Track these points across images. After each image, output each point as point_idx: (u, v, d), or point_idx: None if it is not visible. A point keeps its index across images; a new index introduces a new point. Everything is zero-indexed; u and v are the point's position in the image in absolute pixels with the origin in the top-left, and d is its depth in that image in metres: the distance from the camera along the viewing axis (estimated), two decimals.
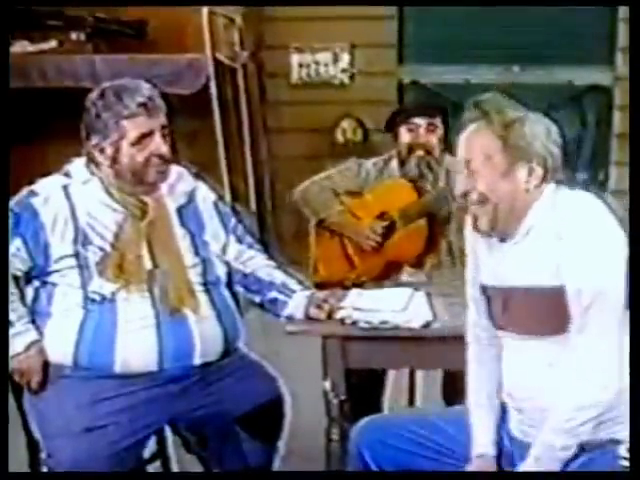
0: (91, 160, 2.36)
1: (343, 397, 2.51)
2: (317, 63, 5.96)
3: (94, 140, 2.31)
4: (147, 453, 2.63)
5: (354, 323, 2.48)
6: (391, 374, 3.33)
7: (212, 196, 2.56)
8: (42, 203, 2.32)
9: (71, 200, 2.33)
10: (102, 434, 2.28)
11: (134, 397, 2.33)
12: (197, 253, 2.42)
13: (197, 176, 2.56)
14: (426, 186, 3.16)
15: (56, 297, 2.34)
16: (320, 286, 3.11)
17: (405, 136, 3.16)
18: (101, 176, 2.35)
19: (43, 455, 2.41)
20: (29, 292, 2.39)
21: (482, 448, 2.12)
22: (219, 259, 2.49)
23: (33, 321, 2.36)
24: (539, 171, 1.96)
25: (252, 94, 5.75)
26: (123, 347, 2.30)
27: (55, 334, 2.34)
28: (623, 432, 1.91)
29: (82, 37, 5.09)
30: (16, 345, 2.31)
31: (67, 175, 2.38)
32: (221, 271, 2.49)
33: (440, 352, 2.51)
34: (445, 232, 3.15)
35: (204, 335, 2.37)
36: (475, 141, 1.99)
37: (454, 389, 3.12)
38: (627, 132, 5.07)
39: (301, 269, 3.28)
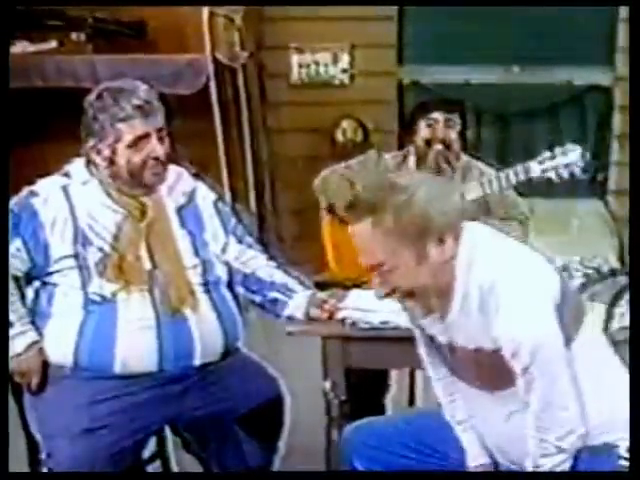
0: (90, 162, 2.36)
1: (343, 397, 2.51)
2: (317, 63, 5.95)
3: (91, 142, 2.32)
4: (147, 453, 2.63)
5: (354, 323, 2.49)
6: (391, 374, 3.33)
7: (212, 196, 2.56)
8: (42, 203, 2.32)
9: (71, 200, 2.33)
10: (102, 434, 2.28)
11: (134, 398, 2.33)
12: (197, 254, 2.42)
13: (196, 176, 2.56)
14: None
15: (56, 297, 2.34)
16: (321, 286, 3.11)
17: (424, 131, 3.17)
18: (100, 177, 2.35)
19: (43, 455, 2.41)
20: (29, 293, 2.39)
21: (475, 461, 2.13)
22: (219, 259, 2.49)
23: (33, 322, 2.36)
24: (450, 240, 1.87)
25: (252, 94, 5.74)
26: (123, 348, 2.29)
27: (55, 334, 2.34)
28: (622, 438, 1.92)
29: (82, 37, 5.08)
30: (16, 346, 2.31)
31: (67, 175, 2.38)
32: (221, 271, 2.49)
33: None
34: None
35: (204, 336, 2.37)
36: (372, 245, 1.87)
37: None
38: (627, 132, 5.08)
39: (301, 269, 3.28)
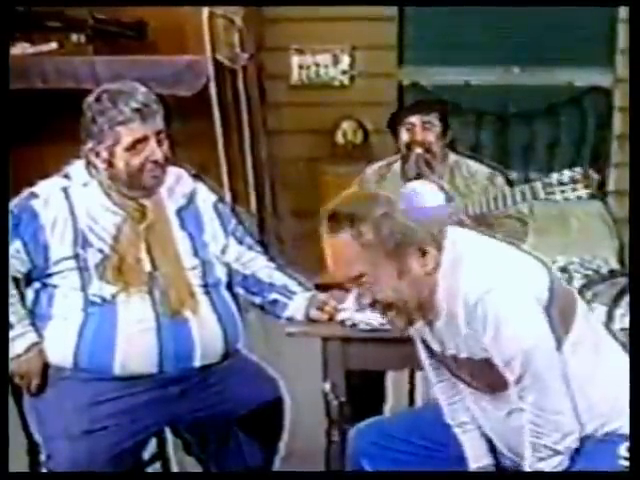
0: (90, 164, 2.36)
1: (343, 398, 2.51)
2: (317, 65, 5.95)
3: (90, 144, 2.32)
4: (147, 455, 2.63)
5: (354, 325, 2.48)
6: (391, 375, 3.33)
7: (212, 197, 2.56)
8: (42, 205, 2.32)
9: (71, 202, 2.33)
10: (102, 436, 2.28)
11: (134, 399, 2.33)
12: (197, 255, 2.42)
13: (196, 177, 2.56)
14: (450, 194, 3.15)
15: (56, 299, 2.34)
16: (321, 287, 3.11)
17: (404, 136, 3.18)
18: (100, 179, 2.35)
19: (43, 457, 2.41)
20: (29, 294, 2.39)
21: (477, 463, 2.13)
22: (219, 261, 2.49)
23: (33, 323, 2.36)
24: (432, 251, 1.86)
25: (252, 95, 5.74)
26: (123, 349, 2.29)
27: (55, 336, 2.34)
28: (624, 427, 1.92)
29: (82, 39, 5.07)
30: (16, 347, 2.31)
31: (67, 177, 2.38)
32: (221, 273, 2.49)
33: None
34: None
35: (204, 337, 2.37)
36: (352, 257, 1.85)
37: None
38: (627, 133, 5.08)
39: (301, 270, 3.28)
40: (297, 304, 2.53)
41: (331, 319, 2.51)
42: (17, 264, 2.32)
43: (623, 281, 2.60)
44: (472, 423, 2.14)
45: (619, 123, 5.90)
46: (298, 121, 5.91)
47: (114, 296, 2.30)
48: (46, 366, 2.35)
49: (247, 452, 2.54)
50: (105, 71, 4.71)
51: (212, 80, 4.98)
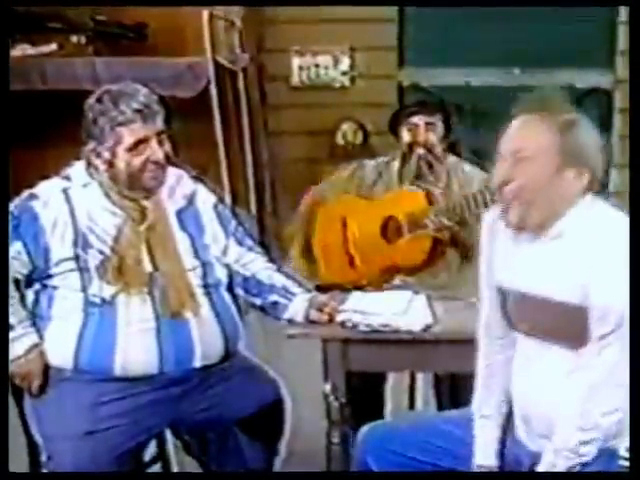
0: (90, 165, 2.36)
1: (343, 400, 2.51)
2: (317, 66, 5.96)
3: (91, 145, 2.32)
4: (147, 456, 2.63)
5: (354, 326, 2.48)
6: (391, 377, 3.33)
7: (212, 198, 2.56)
8: (42, 206, 2.32)
9: (71, 203, 2.33)
10: (102, 437, 2.28)
11: (135, 400, 2.33)
12: (197, 256, 2.42)
13: (196, 179, 2.56)
14: (436, 194, 3.15)
15: (56, 300, 2.34)
16: (321, 289, 3.11)
17: (405, 136, 3.16)
18: (100, 180, 2.35)
19: (43, 458, 2.41)
20: (30, 295, 2.39)
21: (483, 459, 2.11)
22: (219, 262, 2.49)
23: (34, 324, 2.36)
24: (586, 179, 1.91)
25: (252, 97, 5.75)
26: (123, 350, 2.29)
27: (56, 337, 2.34)
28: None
29: (82, 40, 5.08)
30: (16, 348, 2.31)
31: (67, 178, 2.39)
32: (221, 274, 2.49)
33: (440, 355, 2.51)
34: (449, 245, 3.13)
35: (204, 338, 2.37)
36: (531, 133, 1.92)
37: (448, 392, 3.14)
38: (627, 134, 5.07)
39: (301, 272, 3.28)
40: (297, 305, 2.53)
41: (331, 320, 2.50)
42: (18, 265, 2.32)
43: None
44: (497, 417, 2.11)
45: (619, 124, 5.90)
46: (298, 122, 5.91)
47: (114, 297, 2.30)
48: (47, 367, 2.35)
49: (247, 453, 2.54)
50: (105, 72, 4.72)
51: (212, 82, 4.99)
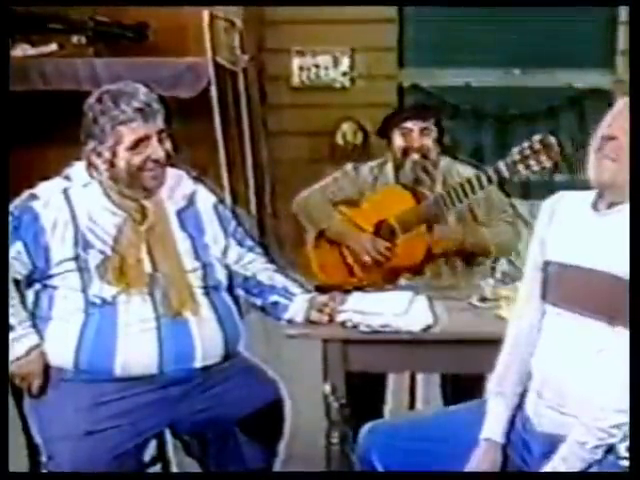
0: (91, 165, 2.36)
1: (343, 400, 2.51)
2: (318, 66, 5.96)
3: (91, 144, 2.32)
4: (147, 456, 2.63)
5: (355, 326, 2.48)
6: (392, 377, 3.33)
7: (212, 199, 2.56)
8: (42, 206, 2.32)
9: (71, 203, 2.33)
10: (102, 438, 2.28)
11: (135, 400, 2.33)
12: (197, 257, 2.42)
13: (196, 179, 2.56)
14: (424, 192, 3.14)
15: (57, 301, 2.34)
16: (321, 289, 3.11)
17: (399, 140, 3.14)
18: (101, 180, 2.35)
19: (44, 458, 2.41)
20: (30, 296, 2.39)
21: (491, 433, 2.12)
22: (219, 262, 2.49)
23: (34, 325, 2.36)
24: None
25: (253, 97, 5.75)
26: (123, 350, 2.29)
27: (56, 338, 2.34)
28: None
29: (83, 40, 5.08)
30: (17, 349, 2.31)
31: (67, 178, 2.39)
32: (221, 275, 2.49)
33: (441, 355, 2.51)
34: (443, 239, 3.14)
35: (204, 338, 2.37)
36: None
37: (454, 391, 3.13)
38: None
39: (301, 273, 3.28)
40: (297, 306, 2.53)
41: (331, 321, 2.51)
42: (18, 266, 2.32)
43: None
44: (511, 396, 2.12)
45: None
46: (298, 122, 5.91)
47: (115, 297, 2.30)
48: (47, 368, 2.35)
49: (247, 454, 2.54)
50: (106, 73, 4.72)
51: (213, 82, 4.99)
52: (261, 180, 5.96)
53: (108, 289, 2.30)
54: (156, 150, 2.31)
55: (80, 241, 2.31)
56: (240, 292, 2.56)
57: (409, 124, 3.11)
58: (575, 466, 1.91)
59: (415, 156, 3.10)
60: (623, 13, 5.60)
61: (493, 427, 2.12)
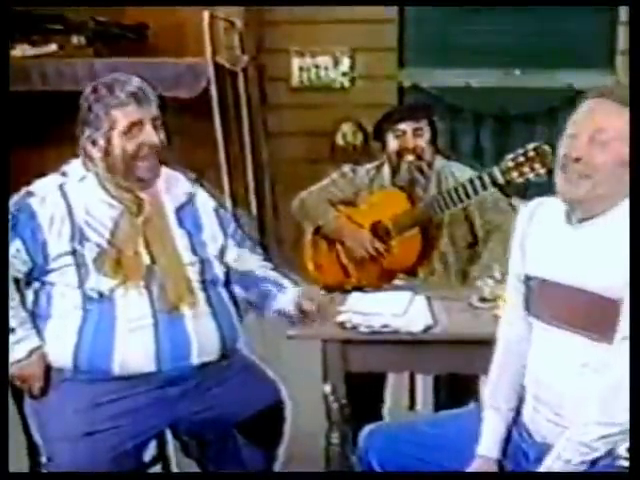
0: (86, 156, 2.36)
1: (343, 401, 2.51)
2: (317, 67, 5.96)
3: (87, 132, 2.32)
4: (147, 457, 2.63)
5: (354, 327, 2.48)
6: (391, 378, 3.33)
7: (212, 203, 2.56)
8: (39, 203, 2.32)
9: (68, 198, 2.33)
10: (102, 438, 2.28)
11: (134, 400, 2.33)
12: (195, 252, 2.42)
13: (196, 182, 2.56)
14: (419, 194, 3.15)
15: (55, 298, 2.33)
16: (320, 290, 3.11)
17: (393, 143, 3.14)
18: (96, 171, 2.35)
19: (44, 459, 2.41)
20: (29, 295, 2.38)
21: (486, 451, 2.11)
22: (217, 260, 2.49)
23: (35, 326, 2.35)
24: None
25: (253, 98, 5.75)
26: (121, 348, 2.29)
27: (55, 337, 2.33)
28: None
29: (83, 41, 5.08)
30: (18, 351, 2.30)
31: (64, 174, 2.39)
32: (219, 270, 2.49)
33: (440, 356, 2.51)
34: (438, 241, 3.14)
35: (200, 333, 2.36)
36: (612, 117, 1.91)
37: (447, 394, 3.14)
38: None
39: (301, 274, 3.28)
40: (288, 295, 2.54)
41: (319, 311, 2.50)
42: (18, 264, 2.32)
43: None
44: (507, 411, 2.12)
45: None
46: (298, 123, 5.91)
47: (112, 290, 2.29)
48: (48, 370, 2.35)
49: (246, 457, 2.54)
50: (105, 73, 4.69)
51: (212, 82, 4.99)
52: (261, 180, 5.96)
53: (105, 282, 2.29)
54: (150, 136, 2.31)
55: (77, 235, 2.30)
56: (236, 288, 2.56)
57: (402, 126, 3.12)
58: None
59: (410, 157, 3.11)
60: (623, 13, 5.60)
61: (489, 444, 2.12)
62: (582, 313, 1.94)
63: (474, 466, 2.10)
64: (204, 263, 2.43)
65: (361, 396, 2.72)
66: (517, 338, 2.14)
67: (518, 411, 2.13)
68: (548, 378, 2.01)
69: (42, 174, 2.43)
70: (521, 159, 2.85)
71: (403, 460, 2.19)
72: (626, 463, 1.89)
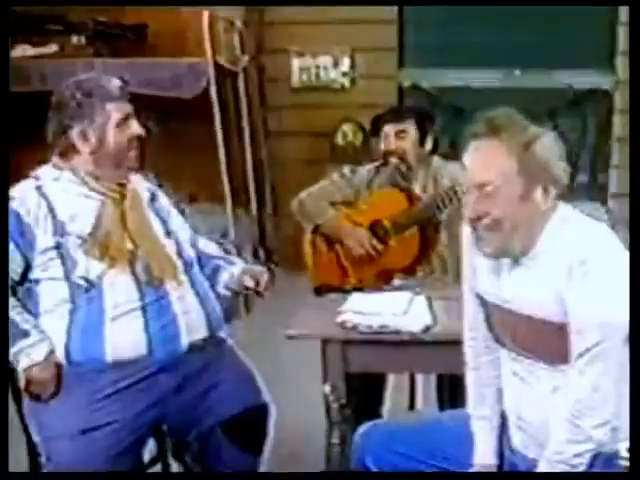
0: (66, 154, 2.37)
1: (343, 401, 2.51)
2: (318, 67, 5.97)
3: (77, 128, 2.34)
4: (147, 457, 2.63)
5: (354, 327, 2.49)
6: (391, 378, 3.33)
7: (171, 200, 2.62)
8: (20, 204, 2.32)
9: (47, 197, 2.34)
10: (100, 435, 2.27)
11: (129, 394, 2.32)
12: (169, 236, 2.48)
13: (154, 180, 2.61)
14: (418, 194, 3.15)
15: (43, 294, 2.33)
16: (320, 290, 3.12)
17: (380, 145, 3.18)
18: (74, 167, 2.37)
19: (42, 459, 2.41)
20: (23, 294, 2.37)
21: (482, 460, 2.12)
22: (188, 244, 2.55)
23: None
24: (553, 191, 1.90)
25: (253, 98, 5.76)
26: (112, 334, 2.29)
27: (47, 333, 2.33)
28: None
29: (83, 41, 5.09)
30: (35, 355, 2.28)
31: (37, 178, 2.40)
32: (192, 253, 2.54)
33: (440, 356, 2.51)
34: (436, 240, 3.15)
35: (187, 313, 2.38)
36: (490, 162, 1.89)
37: (449, 393, 3.14)
38: (627, 136, 5.08)
39: (300, 272, 3.28)
40: (233, 270, 2.60)
41: (258, 284, 2.54)
42: (14, 265, 2.32)
43: None
44: (493, 417, 2.12)
45: (619, 125, 5.91)
46: (298, 123, 5.92)
47: (100, 277, 2.30)
48: (59, 372, 2.34)
49: (226, 458, 2.52)
50: (106, 73, 4.72)
51: (213, 83, 4.99)
52: (261, 180, 5.97)
53: (93, 268, 2.30)
54: (137, 128, 2.40)
55: (59, 230, 2.31)
56: (207, 271, 2.60)
57: (387, 128, 3.14)
58: None
59: (394, 160, 3.12)
60: (623, 13, 5.61)
61: (484, 453, 2.12)
62: (538, 340, 1.95)
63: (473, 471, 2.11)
64: (179, 244, 2.49)
65: (361, 396, 2.72)
66: (484, 350, 2.14)
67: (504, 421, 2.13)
68: (526, 407, 2.02)
69: None
70: None
71: (398, 459, 2.19)
72: (626, 463, 1.89)
